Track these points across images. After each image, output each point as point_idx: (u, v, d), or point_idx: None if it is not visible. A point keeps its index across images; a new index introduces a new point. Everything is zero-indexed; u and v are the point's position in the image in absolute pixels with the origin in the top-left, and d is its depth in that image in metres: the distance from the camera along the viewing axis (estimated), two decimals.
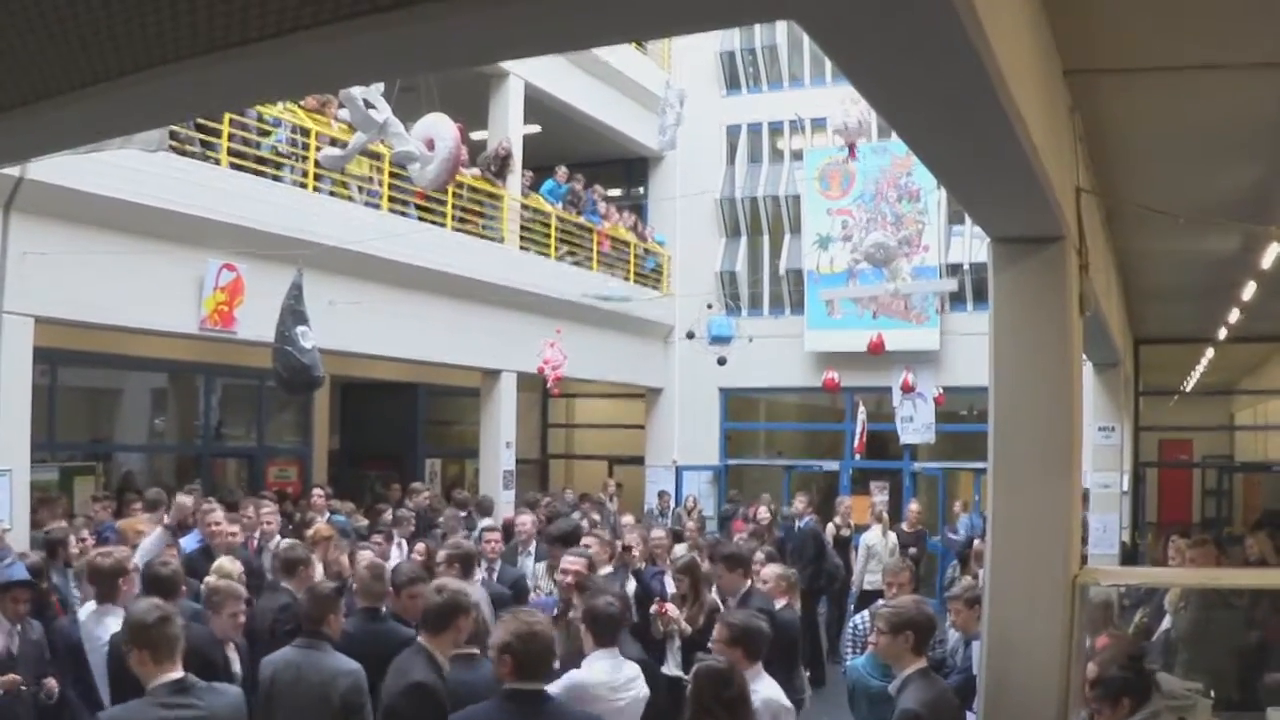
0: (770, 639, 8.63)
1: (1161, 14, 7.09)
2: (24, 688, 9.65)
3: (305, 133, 18.79)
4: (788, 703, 8.36)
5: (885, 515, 21.92)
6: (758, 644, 8.30)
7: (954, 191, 7.03)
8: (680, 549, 15.41)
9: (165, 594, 8.71)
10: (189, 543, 13.68)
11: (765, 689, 8.09)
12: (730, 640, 8.20)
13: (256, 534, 14.72)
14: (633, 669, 8.62)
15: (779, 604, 11.43)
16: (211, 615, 9.45)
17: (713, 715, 6.76)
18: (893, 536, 21.04)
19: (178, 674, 6.62)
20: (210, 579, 10.43)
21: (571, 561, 11.23)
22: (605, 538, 13.62)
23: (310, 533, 13.62)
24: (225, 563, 11.21)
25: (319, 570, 11.66)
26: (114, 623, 9.07)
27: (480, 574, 12.55)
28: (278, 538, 14.36)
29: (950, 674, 11.17)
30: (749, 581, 11.65)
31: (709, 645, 8.52)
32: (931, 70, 4.29)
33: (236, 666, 9.38)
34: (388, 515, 18.35)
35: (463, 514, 19.15)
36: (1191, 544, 14.31)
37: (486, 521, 18.13)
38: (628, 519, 19.32)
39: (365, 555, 12.49)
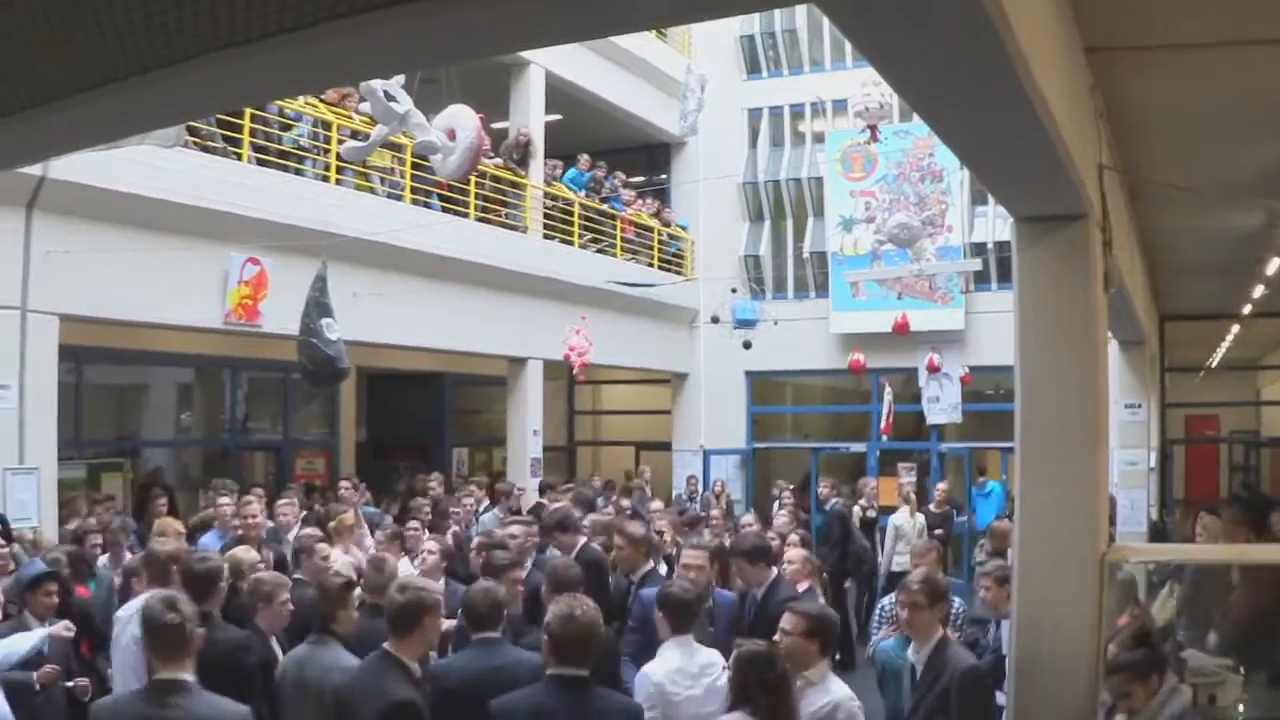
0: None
1: None
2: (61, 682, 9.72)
3: (327, 126, 18.83)
4: (857, 701, 8.05)
5: (913, 496, 21.89)
6: (831, 635, 8.09)
7: (976, 171, 7.02)
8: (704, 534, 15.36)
9: (204, 591, 8.72)
10: (210, 540, 13.75)
11: (836, 689, 7.80)
12: (807, 632, 7.82)
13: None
14: (710, 655, 8.59)
15: (801, 587, 11.38)
16: (262, 607, 9.27)
17: (754, 699, 6.75)
18: (920, 518, 21.03)
19: (182, 675, 6.51)
20: (259, 572, 10.33)
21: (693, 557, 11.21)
22: (638, 533, 13.30)
23: (333, 524, 13.57)
24: (240, 552, 11.16)
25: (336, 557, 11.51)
26: None
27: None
28: (296, 528, 14.33)
29: (984, 654, 11.19)
30: (774, 571, 11.38)
31: (777, 635, 7.98)
32: (952, 50, 4.28)
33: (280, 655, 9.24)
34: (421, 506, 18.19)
35: (486, 502, 19.11)
36: (1230, 520, 14.30)
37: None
38: (657, 504, 19.26)
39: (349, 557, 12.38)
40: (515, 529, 12.80)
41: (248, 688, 8.06)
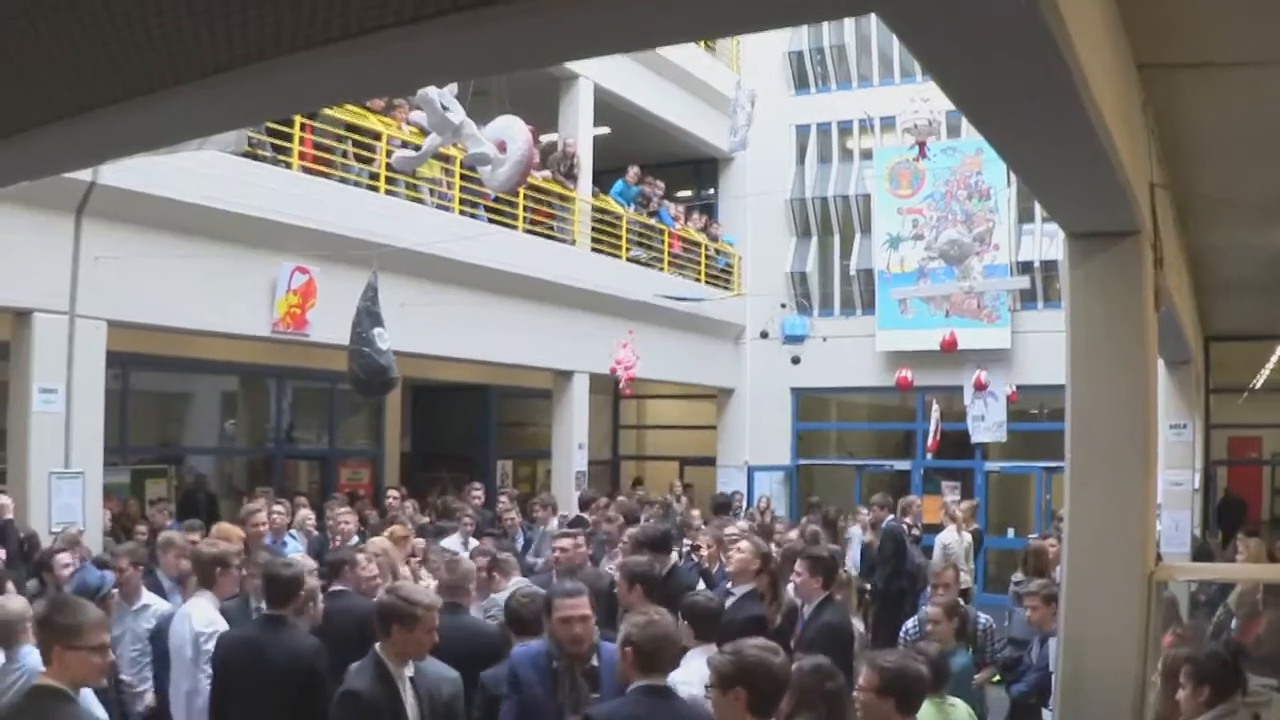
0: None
1: (1233, 7, 7.04)
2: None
3: (376, 136, 18.84)
4: None
5: (959, 514, 21.67)
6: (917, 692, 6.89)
7: (1031, 185, 7.01)
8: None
9: (283, 596, 8.77)
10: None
11: None
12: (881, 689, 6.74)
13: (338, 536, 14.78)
14: None
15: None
16: (312, 607, 9.41)
17: (814, 709, 6.71)
18: (968, 536, 20.85)
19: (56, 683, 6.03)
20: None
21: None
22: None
23: (387, 533, 13.60)
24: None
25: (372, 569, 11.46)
26: (206, 610, 9.43)
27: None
28: (355, 539, 14.31)
29: (1026, 671, 11.20)
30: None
31: (856, 693, 6.98)
32: (1012, 63, 4.29)
33: None
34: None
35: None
36: None
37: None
38: (695, 515, 19.26)
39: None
40: (564, 542, 12.82)
41: (318, 692, 8.17)
